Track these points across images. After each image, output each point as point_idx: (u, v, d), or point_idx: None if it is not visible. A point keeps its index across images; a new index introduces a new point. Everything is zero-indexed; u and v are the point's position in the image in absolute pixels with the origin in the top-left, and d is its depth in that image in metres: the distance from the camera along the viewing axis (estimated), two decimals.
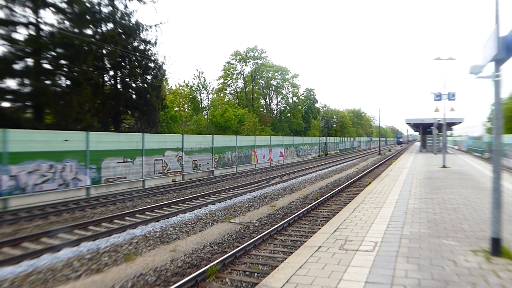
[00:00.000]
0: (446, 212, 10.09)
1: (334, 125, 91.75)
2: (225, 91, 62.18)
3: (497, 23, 6.16)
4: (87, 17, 23.58)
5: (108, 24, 25.64)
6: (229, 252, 8.66)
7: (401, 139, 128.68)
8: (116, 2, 25.97)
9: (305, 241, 8.21)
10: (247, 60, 62.89)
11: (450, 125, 48.53)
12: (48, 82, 20.74)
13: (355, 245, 7.16)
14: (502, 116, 6.59)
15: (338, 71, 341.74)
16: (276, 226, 11.08)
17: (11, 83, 19.37)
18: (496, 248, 6.33)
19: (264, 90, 67.83)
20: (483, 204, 11.21)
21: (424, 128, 49.30)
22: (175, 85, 52.60)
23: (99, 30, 24.91)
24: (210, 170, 27.58)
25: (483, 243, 7.02)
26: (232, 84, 63.57)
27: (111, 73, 26.37)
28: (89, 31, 24.07)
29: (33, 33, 20.22)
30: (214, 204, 15.44)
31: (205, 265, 7.85)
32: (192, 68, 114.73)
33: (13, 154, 14.51)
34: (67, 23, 22.08)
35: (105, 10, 25.49)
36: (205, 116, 48.15)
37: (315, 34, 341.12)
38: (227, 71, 62.53)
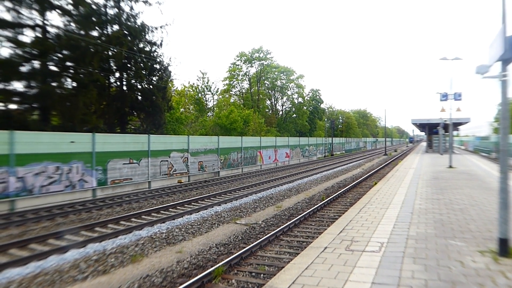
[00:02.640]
0: (452, 213, 10.03)
1: (339, 126, 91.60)
2: (230, 92, 62.29)
3: (503, 22, 6.12)
4: (93, 19, 23.74)
5: (114, 26, 25.78)
6: (235, 253, 8.65)
7: (412, 139, 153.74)
8: (121, 4, 26.12)
9: (311, 242, 8.21)
10: (253, 61, 63.00)
11: (456, 125, 48.16)
12: (54, 84, 20.87)
13: (361, 245, 7.13)
14: (509, 116, 6.54)
15: (344, 72, 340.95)
16: (282, 227, 11.07)
17: (18, 85, 19.56)
18: (504, 248, 6.29)
19: (270, 91, 67.90)
20: (490, 204, 11.13)
21: (430, 128, 48.99)
22: (181, 84, 52.77)
23: (105, 32, 25.05)
24: (216, 171, 27.62)
25: (491, 243, 6.96)
26: (238, 85, 63.73)
27: (117, 74, 26.50)
28: (95, 33, 24.23)
29: (39, 35, 20.39)
30: (220, 205, 15.45)
31: (211, 266, 7.86)
32: (197, 69, 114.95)
33: (20, 155, 14.62)
34: (73, 25, 22.24)
35: (111, 12, 25.66)
36: (211, 117, 48.23)
37: (320, 35, 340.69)
38: (233, 72, 62.67)
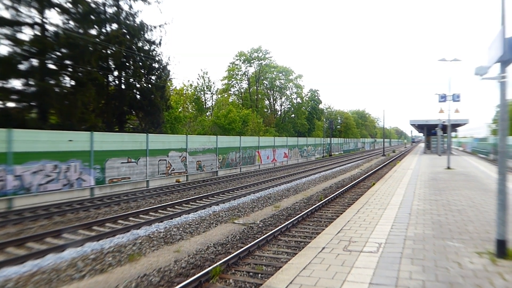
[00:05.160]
0: (450, 214, 10.04)
1: (338, 126, 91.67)
2: (229, 92, 62.24)
3: (503, 24, 6.13)
4: (92, 17, 23.64)
5: (113, 24, 25.70)
6: (233, 253, 8.65)
7: (414, 140, 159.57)
8: (120, 3, 26.02)
9: (309, 242, 8.20)
10: (252, 61, 62.93)
11: (454, 126, 48.15)
12: (52, 82, 20.79)
13: (359, 246, 7.13)
14: (507, 118, 6.55)
15: (343, 72, 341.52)
16: (280, 227, 11.06)
17: (16, 83, 19.50)
18: (502, 250, 6.29)
19: (268, 91, 67.87)
20: (488, 205, 11.15)
21: (428, 130, 49.02)
22: (179, 84, 52.70)
23: (103, 31, 24.97)
24: (214, 171, 27.60)
25: (488, 245, 6.97)
26: (236, 84, 63.68)
27: (116, 73, 26.44)
28: (93, 32, 24.14)
29: (38, 33, 20.31)
30: (218, 204, 15.44)
31: (209, 266, 7.85)
32: (196, 68, 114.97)
33: (18, 154, 14.57)
34: (72, 23, 22.15)
35: (109, 10, 25.54)
36: (209, 117, 48.17)
37: (319, 35, 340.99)
38: (231, 72, 62.59)
